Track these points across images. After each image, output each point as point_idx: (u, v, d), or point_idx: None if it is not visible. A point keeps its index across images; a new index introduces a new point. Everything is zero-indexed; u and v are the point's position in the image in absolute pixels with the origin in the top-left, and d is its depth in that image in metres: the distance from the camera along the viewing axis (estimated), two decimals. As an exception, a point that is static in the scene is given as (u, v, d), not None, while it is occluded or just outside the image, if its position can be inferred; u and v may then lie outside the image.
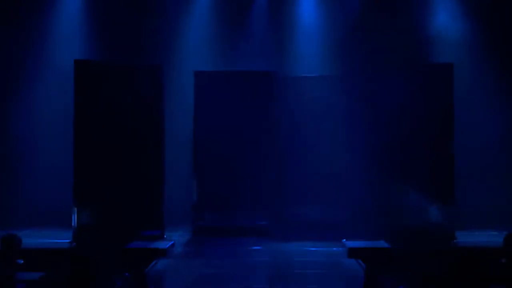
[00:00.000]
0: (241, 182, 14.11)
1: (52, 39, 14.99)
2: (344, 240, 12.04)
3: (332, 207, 13.94)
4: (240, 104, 14.21)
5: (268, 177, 14.09)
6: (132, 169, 12.69)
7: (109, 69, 12.91)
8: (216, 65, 14.83)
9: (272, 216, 13.91)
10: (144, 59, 14.45)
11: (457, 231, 13.10)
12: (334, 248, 12.29)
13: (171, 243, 11.90)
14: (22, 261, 8.20)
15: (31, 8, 14.89)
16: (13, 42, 14.73)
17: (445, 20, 15.05)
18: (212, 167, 14.19)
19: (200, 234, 13.77)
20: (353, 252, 10.90)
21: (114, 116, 12.70)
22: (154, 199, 12.76)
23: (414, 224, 12.59)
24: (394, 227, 12.53)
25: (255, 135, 14.19)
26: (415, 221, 12.64)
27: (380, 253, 10.69)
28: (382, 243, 11.29)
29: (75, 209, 12.35)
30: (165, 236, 12.63)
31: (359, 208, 13.39)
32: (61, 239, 12.63)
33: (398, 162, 13.02)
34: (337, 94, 14.09)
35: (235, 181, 14.14)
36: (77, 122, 12.44)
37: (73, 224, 12.21)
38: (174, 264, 11.40)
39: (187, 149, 14.43)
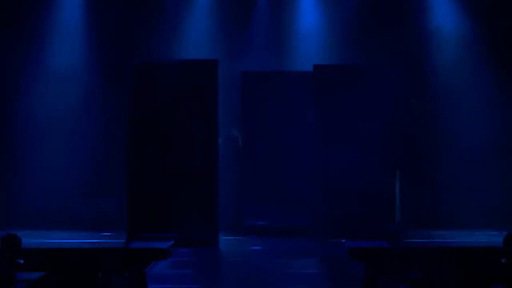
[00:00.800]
0: (288, 182, 13.97)
1: (52, 39, 14.98)
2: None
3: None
4: (284, 103, 14.11)
5: (311, 176, 13.93)
6: (185, 170, 12.67)
7: (163, 67, 12.89)
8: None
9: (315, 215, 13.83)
10: (141, 59, 14.48)
11: (457, 231, 13.14)
12: (334, 248, 12.29)
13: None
14: (22, 261, 8.18)
15: (31, 8, 14.89)
16: (13, 42, 14.73)
17: (444, 17, 15.05)
18: (259, 167, 14.07)
19: (247, 234, 13.71)
20: (353, 252, 10.88)
21: (169, 113, 12.68)
22: (208, 202, 12.74)
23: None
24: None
25: (299, 134, 14.06)
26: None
27: (380, 253, 10.67)
28: (382, 243, 11.28)
29: (128, 210, 12.41)
30: (219, 239, 12.67)
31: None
32: (61, 239, 12.65)
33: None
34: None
35: (282, 180, 13.99)
36: (131, 122, 12.50)
37: (127, 227, 12.30)
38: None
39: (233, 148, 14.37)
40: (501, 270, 8.23)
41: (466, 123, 14.83)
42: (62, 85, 14.78)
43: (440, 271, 9.20)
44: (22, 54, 14.77)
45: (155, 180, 12.63)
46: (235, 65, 14.73)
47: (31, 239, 11.12)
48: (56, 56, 14.92)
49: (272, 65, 14.90)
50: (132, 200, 12.59)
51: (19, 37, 14.79)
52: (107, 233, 13.48)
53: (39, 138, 14.75)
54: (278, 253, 12.17)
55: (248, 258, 11.83)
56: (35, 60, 14.82)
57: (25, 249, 8.42)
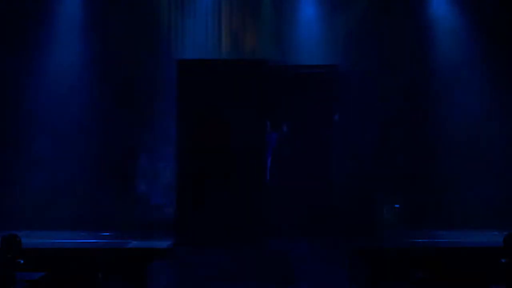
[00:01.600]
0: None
1: (52, 40, 14.98)
2: (345, 240, 12.03)
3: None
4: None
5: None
6: (234, 172, 12.43)
7: (210, 66, 12.65)
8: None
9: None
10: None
11: (457, 231, 13.12)
12: (336, 248, 12.28)
13: (171, 242, 11.88)
14: (22, 261, 8.19)
15: (31, 8, 14.88)
16: (15, 41, 14.72)
17: (442, 12, 15.04)
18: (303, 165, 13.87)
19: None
20: (354, 252, 10.91)
21: (215, 113, 12.46)
22: (256, 203, 12.50)
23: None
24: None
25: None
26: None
27: (382, 253, 10.69)
28: (382, 244, 11.30)
29: (177, 213, 12.25)
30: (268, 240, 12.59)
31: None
32: (61, 239, 12.64)
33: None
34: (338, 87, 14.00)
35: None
36: (179, 122, 12.28)
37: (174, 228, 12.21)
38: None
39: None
40: (501, 270, 8.24)
41: (467, 122, 14.82)
42: (63, 86, 14.77)
43: (440, 271, 9.22)
44: (23, 53, 14.76)
45: (203, 180, 12.38)
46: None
47: (31, 239, 11.11)
48: (57, 55, 14.90)
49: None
50: (180, 201, 12.31)
51: (20, 36, 14.77)
52: (107, 233, 13.47)
53: (39, 138, 14.74)
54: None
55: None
56: (35, 60, 14.80)
57: (25, 249, 8.42)
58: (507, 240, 8.35)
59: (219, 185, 12.32)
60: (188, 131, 12.35)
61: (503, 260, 8.24)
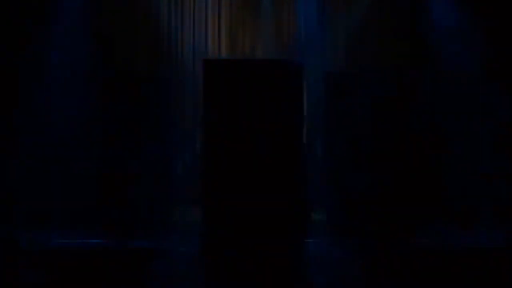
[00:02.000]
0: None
1: (52, 40, 15.00)
2: (342, 239, 12.03)
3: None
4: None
5: None
6: (266, 177, 12.01)
7: (239, 67, 12.33)
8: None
9: None
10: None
11: (458, 231, 13.12)
12: (333, 246, 12.30)
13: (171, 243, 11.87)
14: (22, 261, 8.21)
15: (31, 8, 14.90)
16: (13, 44, 14.74)
17: (442, 11, 15.05)
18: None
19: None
20: (353, 252, 10.91)
21: (247, 118, 12.08)
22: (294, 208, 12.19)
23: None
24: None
25: None
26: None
27: (381, 253, 10.70)
28: (381, 244, 11.29)
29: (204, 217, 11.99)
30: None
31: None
32: (61, 239, 12.66)
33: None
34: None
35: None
36: (206, 126, 11.93)
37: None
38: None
39: None
40: (501, 270, 8.26)
41: (466, 122, 14.82)
42: (61, 86, 14.78)
43: (441, 271, 9.21)
44: (22, 55, 14.77)
45: (231, 186, 11.96)
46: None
47: (32, 239, 11.13)
48: (59, 54, 14.90)
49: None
50: (207, 209, 11.95)
51: (19, 39, 14.79)
52: (107, 233, 13.47)
53: (39, 137, 14.75)
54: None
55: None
56: (35, 58, 14.81)
57: (25, 249, 8.44)
58: (508, 240, 8.37)
59: (248, 191, 11.95)
60: (215, 134, 11.98)
61: (503, 260, 8.26)
